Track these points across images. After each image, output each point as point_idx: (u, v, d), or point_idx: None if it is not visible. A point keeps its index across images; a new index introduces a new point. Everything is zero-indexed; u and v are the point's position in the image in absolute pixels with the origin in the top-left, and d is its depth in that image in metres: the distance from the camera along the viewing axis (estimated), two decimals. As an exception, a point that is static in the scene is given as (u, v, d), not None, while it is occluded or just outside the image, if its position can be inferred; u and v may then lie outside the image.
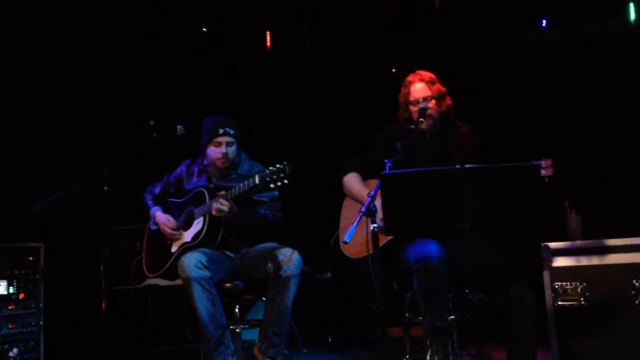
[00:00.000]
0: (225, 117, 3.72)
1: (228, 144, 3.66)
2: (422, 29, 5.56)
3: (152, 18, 5.23)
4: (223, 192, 3.42)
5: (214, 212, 3.43)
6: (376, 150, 3.40)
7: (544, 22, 5.48)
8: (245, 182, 3.32)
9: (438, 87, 3.33)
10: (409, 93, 3.34)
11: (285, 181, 3.17)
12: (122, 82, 5.17)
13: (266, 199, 3.64)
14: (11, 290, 3.79)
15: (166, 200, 3.89)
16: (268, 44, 5.55)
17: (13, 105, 4.50)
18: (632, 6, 5.17)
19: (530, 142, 5.23)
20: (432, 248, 2.93)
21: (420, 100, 3.29)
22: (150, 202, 3.88)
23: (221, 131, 3.64)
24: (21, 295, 3.82)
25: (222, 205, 3.39)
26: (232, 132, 3.66)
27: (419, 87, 3.33)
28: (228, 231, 3.56)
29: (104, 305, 2.88)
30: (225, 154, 3.65)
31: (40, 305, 3.89)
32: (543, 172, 2.95)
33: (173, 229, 3.69)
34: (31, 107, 4.62)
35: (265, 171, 3.23)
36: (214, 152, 3.67)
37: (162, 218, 3.76)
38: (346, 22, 5.24)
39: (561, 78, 5.57)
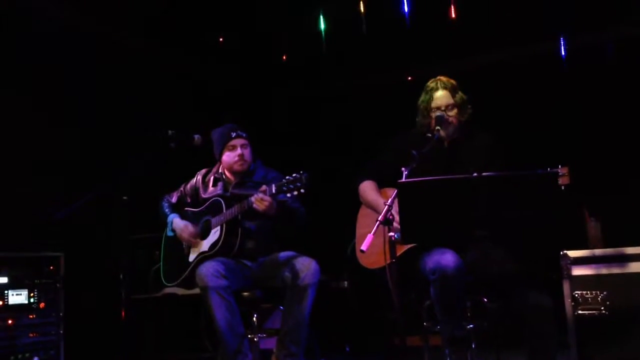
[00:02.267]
0: (233, 124, 3.77)
1: (243, 146, 3.70)
2: (438, 36, 5.56)
3: (171, 25, 5.30)
4: (264, 188, 3.40)
5: (255, 206, 3.40)
6: (390, 156, 3.36)
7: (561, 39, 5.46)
8: (261, 191, 3.34)
9: (460, 95, 3.29)
10: (431, 100, 3.27)
11: (302, 190, 3.18)
12: (143, 92, 5.22)
13: (285, 199, 3.63)
14: (32, 300, 3.83)
15: (183, 210, 3.91)
16: (284, 55, 5.57)
17: (34, 116, 4.56)
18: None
19: (548, 148, 5.20)
20: (448, 258, 2.91)
21: (443, 108, 3.24)
22: (167, 210, 3.90)
23: (234, 134, 3.70)
24: (42, 304, 3.86)
25: (263, 200, 3.35)
26: (244, 134, 3.72)
27: (442, 95, 3.27)
28: (245, 239, 3.58)
29: (123, 313, 2.90)
30: (242, 155, 3.68)
31: (61, 314, 3.92)
32: (560, 180, 2.92)
33: (192, 235, 3.71)
34: (52, 117, 4.68)
35: (281, 179, 3.25)
36: (230, 156, 3.70)
37: (180, 224, 3.77)
38: (362, 28, 5.24)
39: (579, 83, 5.53)
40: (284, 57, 5.81)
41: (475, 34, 5.54)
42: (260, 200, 3.36)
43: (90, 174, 4.50)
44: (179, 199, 3.96)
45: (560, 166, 2.93)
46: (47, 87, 4.66)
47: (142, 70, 5.34)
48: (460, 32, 5.42)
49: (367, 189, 3.41)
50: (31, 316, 3.80)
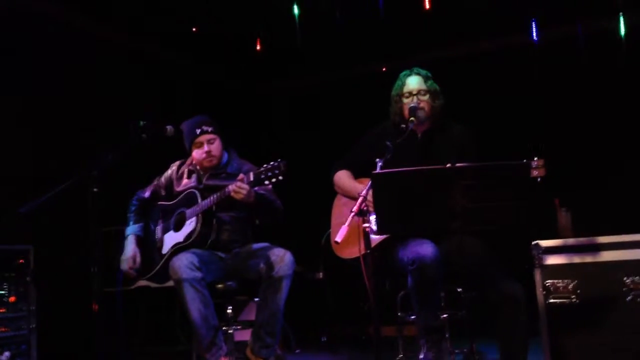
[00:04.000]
0: (200, 117, 3.71)
1: (209, 142, 3.65)
2: (413, 27, 5.57)
3: (144, 17, 5.24)
4: (242, 176, 3.37)
5: (232, 194, 3.37)
6: (365, 148, 3.38)
7: (534, 30, 5.50)
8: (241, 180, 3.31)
9: (432, 82, 3.31)
10: (403, 85, 3.31)
11: (280, 177, 3.16)
12: (113, 82, 5.16)
13: (263, 192, 3.62)
14: (2, 293, 3.77)
15: (156, 204, 3.86)
16: (258, 44, 5.55)
17: (1, 107, 4.48)
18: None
19: (521, 140, 5.25)
20: (427, 248, 2.93)
21: (414, 93, 3.26)
22: (131, 216, 3.81)
23: (198, 131, 3.64)
24: (12, 298, 3.81)
25: (240, 188, 3.32)
26: (209, 129, 3.65)
27: (414, 80, 3.29)
28: (220, 230, 3.55)
29: (95, 307, 2.87)
30: (209, 152, 3.63)
31: (32, 307, 3.87)
32: (535, 172, 2.95)
33: (130, 268, 3.64)
34: (19, 108, 4.59)
35: (259, 169, 3.23)
36: (198, 153, 3.66)
37: (128, 252, 3.67)
38: (337, 19, 5.24)
39: (552, 77, 5.59)
40: (259, 50, 5.79)
41: (450, 25, 5.57)
42: (238, 188, 3.34)
43: (61, 165, 4.44)
44: (153, 193, 3.89)
45: (535, 158, 2.94)
46: (15, 79, 4.58)
47: (113, 61, 5.27)
48: (434, 24, 5.45)
49: (343, 177, 3.42)
50: (1, 310, 3.75)
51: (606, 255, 3.19)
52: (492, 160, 2.60)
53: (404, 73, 3.37)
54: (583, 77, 5.42)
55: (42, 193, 3.03)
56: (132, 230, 3.78)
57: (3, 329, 3.73)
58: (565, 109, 5.52)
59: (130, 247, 3.71)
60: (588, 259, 3.21)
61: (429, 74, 3.34)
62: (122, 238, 3.79)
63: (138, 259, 3.68)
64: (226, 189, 3.39)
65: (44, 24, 4.79)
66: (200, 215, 3.51)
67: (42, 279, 3.98)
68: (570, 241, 3.28)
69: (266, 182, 3.19)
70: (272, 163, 3.19)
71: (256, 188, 3.41)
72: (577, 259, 3.23)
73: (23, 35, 4.63)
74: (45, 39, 4.76)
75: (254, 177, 3.23)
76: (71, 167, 3.20)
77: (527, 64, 5.61)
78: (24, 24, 4.65)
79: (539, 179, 2.96)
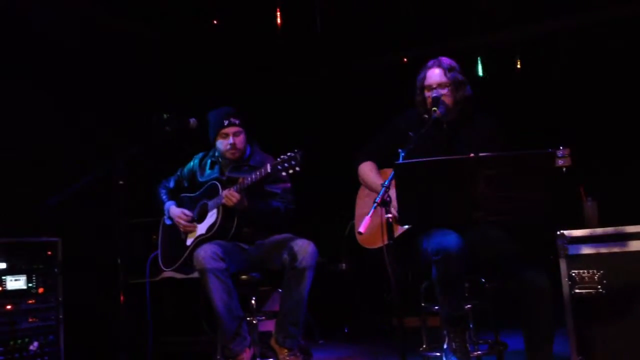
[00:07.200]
0: (228, 108, 3.73)
1: (235, 134, 3.67)
2: (435, 17, 5.53)
3: (166, 8, 5.26)
4: (240, 180, 3.42)
5: (224, 201, 3.44)
6: (389, 137, 3.35)
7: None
8: (257, 172, 3.33)
9: (455, 75, 3.24)
10: (424, 77, 3.27)
11: (297, 168, 3.16)
12: (137, 75, 5.19)
13: (279, 191, 3.64)
14: (30, 285, 3.83)
15: (179, 196, 3.90)
16: (278, 27, 5.52)
17: (30, 100, 4.54)
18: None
19: (546, 129, 5.21)
20: (451, 239, 2.91)
21: (434, 87, 3.23)
22: (164, 197, 3.90)
23: (226, 122, 3.66)
24: (40, 290, 3.87)
25: (231, 195, 3.40)
26: (237, 121, 3.67)
27: (435, 73, 3.24)
28: (242, 223, 3.58)
29: (122, 298, 2.91)
30: (234, 144, 3.65)
31: (60, 299, 3.93)
32: (561, 162, 2.91)
33: (188, 222, 3.70)
34: (47, 102, 4.65)
35: (275, 159, 3.24)
36: (223, 144, 3.68)
37: (176, 211, 3.77)
38: (358, 9, 5.21)
39: (576, 66, 5.52)
40: (279, 40, 5.79)
41: (475, 14, 5.52)
42: (230, 195, 3.38)
43: (87, 158, 4.49)
44: (176, 183, 3.96)
45: (561, 147, 2.90)
46: (44, 72, 4.64)
47: (137, 53, 5.30)
48: (457, 13, 5.41)
49: (367, 170, 3.40)
50: (30, 301, 3.81)
51: (632, 245, 3.15)
52: (515, 149, 2.58)
53: (428, 64, 3.31)
54: (610, 63, 5.34)
55: (69, 186, 3.08)
56: (169, 203, 3.84)
57: (32, 320, 3.79)
58: (591, 96, 5.45)
59: (174, 209, 3.77)
60: (614, 249, 3.17)
61: (453, 65, 3.27)
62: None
63: (187, 212, 3.72)
64: (220, 196, 3.44)
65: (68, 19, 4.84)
66: (221, 207, 3.54)
67: (70, 270, 4.04)
68: (597, 231, 3.24)
69: (283, 174, 3.19)
70: (289, 153, 3.18)
71: (270, 186, 3.45)
72: (603, 249, 3.19)
73: (49, 28, 4.68)
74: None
75: (271, 168, 3.23)
76: (99, 160, 3.24)
77: (551, 52, 5.55)
78: (47, 17, 4.70)
79: (564, 169, 2.93)
